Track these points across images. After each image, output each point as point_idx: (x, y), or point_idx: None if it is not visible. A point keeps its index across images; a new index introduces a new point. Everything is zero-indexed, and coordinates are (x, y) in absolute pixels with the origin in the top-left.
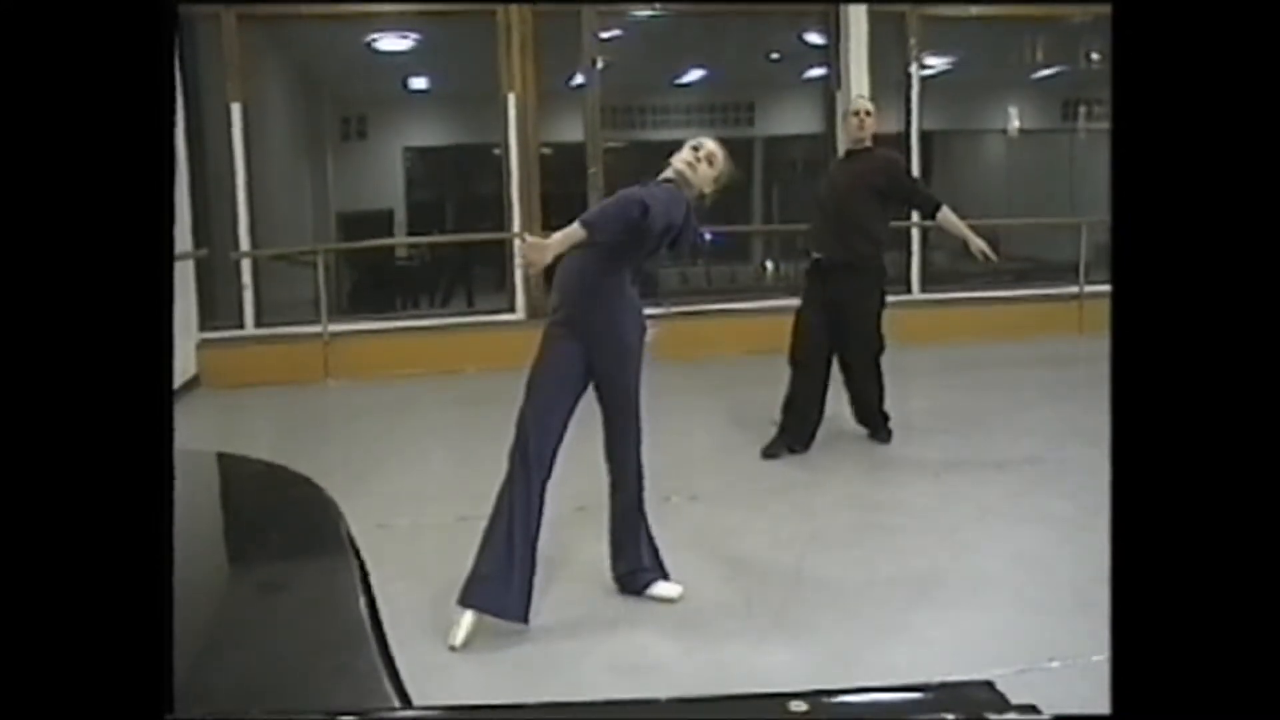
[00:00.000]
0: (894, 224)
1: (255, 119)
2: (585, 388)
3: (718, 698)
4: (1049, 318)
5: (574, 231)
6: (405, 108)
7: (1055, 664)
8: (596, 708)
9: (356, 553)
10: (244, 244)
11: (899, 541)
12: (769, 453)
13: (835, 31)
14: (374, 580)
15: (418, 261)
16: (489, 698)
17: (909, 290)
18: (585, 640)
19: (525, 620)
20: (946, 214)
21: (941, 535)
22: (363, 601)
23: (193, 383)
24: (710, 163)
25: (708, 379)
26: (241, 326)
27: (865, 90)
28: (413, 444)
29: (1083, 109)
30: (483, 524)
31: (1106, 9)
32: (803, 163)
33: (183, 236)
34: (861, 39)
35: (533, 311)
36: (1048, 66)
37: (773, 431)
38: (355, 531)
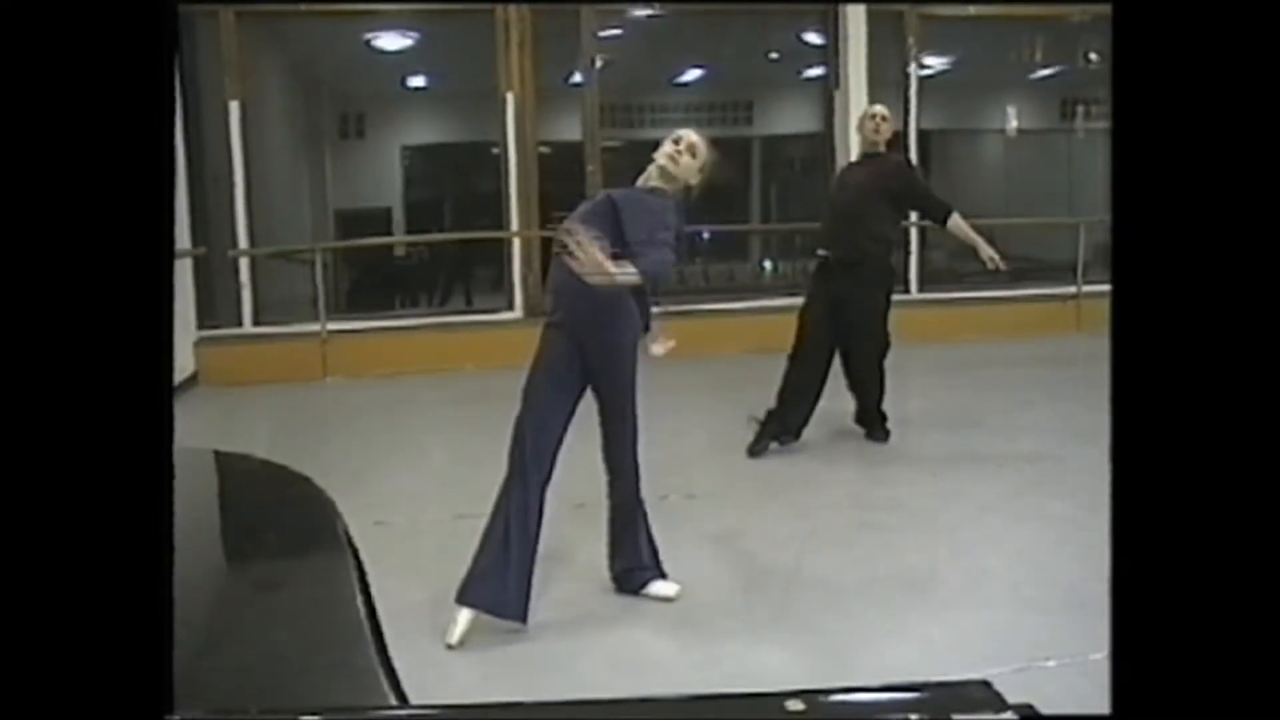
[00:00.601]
0: None
1: (253, 117)
2: (583, 388)
3: (714, 696)
4: (1047, 317)
5: (631, 278)
6: (404, 106)
7: (1052, 663)
8: (593, 706)
9: (354, 551)
10: (242, 242)
11: (897, 540)
12: (754, 451)
13: (834, 31)
14: (371, 578)
15: (416, 260)
16: (485, 695)
17: (907, 290)
18: (582, 638)
19: (524, 620)
20: (957, 221)
21: (939, 534)
22: (360, 600)
23: (191, 381)
24: (692, 153)
25: (706, 378)
26: (240, 325)
27: (864, 90)
28: (411, 442)
29: (1081, 109)
30: (480, 522)
31: (1106, 9)
32: (801, 162)
33: (181, 235)
34: (860, 38)
35: (531, 310)
36: (1046, 66)
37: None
38: (353, 529)
